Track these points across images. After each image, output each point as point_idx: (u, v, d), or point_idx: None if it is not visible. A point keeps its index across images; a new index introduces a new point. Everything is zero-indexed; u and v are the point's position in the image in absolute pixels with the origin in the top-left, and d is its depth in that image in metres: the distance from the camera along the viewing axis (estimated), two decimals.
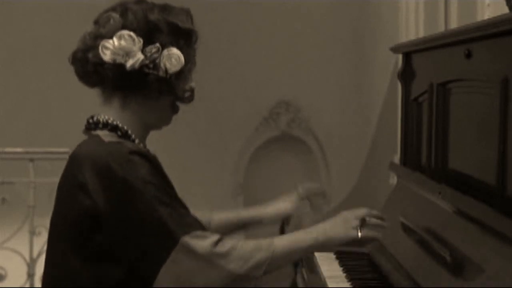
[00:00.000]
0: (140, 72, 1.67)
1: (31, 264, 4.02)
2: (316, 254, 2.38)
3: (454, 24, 2.89)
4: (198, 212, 1.95)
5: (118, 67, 1.66)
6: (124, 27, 1.67)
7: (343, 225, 1.77)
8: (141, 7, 1.71)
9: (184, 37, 1.74)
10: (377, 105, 4.33)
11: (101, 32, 1.67)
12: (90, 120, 1.74)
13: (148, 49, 1.67)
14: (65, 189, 1.66)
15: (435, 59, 2.23)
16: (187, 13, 1.79)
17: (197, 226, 1.61)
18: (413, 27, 3.43)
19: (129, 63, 1.66)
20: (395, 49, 2.70)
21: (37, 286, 4.04)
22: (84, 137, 1.74)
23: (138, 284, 1.59)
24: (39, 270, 4.01)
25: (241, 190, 5.41)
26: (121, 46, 1.65)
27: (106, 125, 1.70)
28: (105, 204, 1.57)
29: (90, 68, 1.69)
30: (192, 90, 1.77)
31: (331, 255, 2.39)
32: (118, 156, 1.59)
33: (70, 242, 1.63)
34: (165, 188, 1.61)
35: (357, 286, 2.08)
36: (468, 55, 1.91)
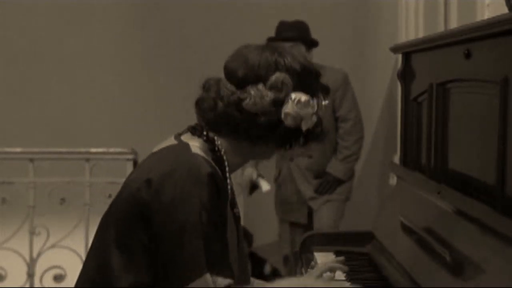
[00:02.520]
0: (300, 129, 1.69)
1: (31, 264, 4.02)
2: (316, 254, 2.38)
3: (453, 24, 2.89)
4: None
5: (291, 129, 1.68)
6: (293, 88, 1.67)
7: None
8: (291, 61, 1.69)
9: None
10: (377, 105, 4.34)
11: (280, 98, 1.66)
12: (196, 126, 1.75)
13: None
14: (132, 183, 1.65)
15: (435, 59, 2.23)
16: None
17: (227, 271, 1.60)
18: (412, 27, 3.44)
19: (305, 126, 1.68)
20: (395, 49, 2.70)
21: (37, 286, 4.03)
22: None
23: None
24: (38, 270, 4.01)
25: (241, 190, 5.41)
26: (302, 112, 1.66)
27: (209, 141, 1.70)
28: (158, 206, 1.57)
29: (257, 132, 1.67)
30: (320, 124, 1.76)
31: (331, 255, 2.39)
32: (195, 171, 1.58)
33: (116, 233, 1.62)
34: (217, 222, 1.60)
35: (357, 286, 2.07)
36: (468, 55, 1.91)
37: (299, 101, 1.66)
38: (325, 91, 1.75)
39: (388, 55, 3.18)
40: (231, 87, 1.69)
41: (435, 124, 2.20)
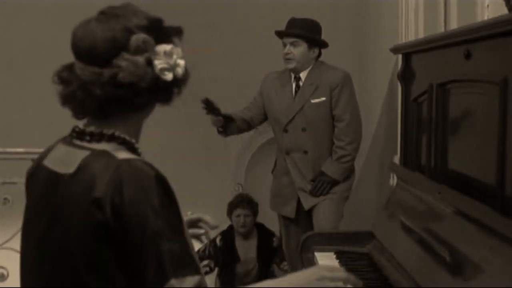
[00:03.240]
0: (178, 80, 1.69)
1: None
2: (316, 254, 2.39)
3: (453, 25, 2.90)
4: None
5: (169, 81, 1.65)
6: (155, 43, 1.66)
7: (316, 282, 1.68)
8: (137, 20, 1.66)
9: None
10: (377, 106, 4.34)
11: (149, 57, 1.62)
12: (88, 131, 1.67)
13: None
14: (75, 209, 1.58)
15: (435, 59, 2.24)
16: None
17: (193, 269, 1.56)
18: (413, 28, 3.44)
19: (180, 72, 1.67)
20: (395, 50, 2.71)
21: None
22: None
23: None
24: None
25: (241, 190, 5.42)
26: (172, 61, 1.65)
27: (113, 138, 1.65)
28: (114, 220, 1.53)
29: (143, 98, 1.64)
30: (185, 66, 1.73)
31: (331, 255, 2.40)
32: (141, 178, 1.55)
33: (85, 262, 1.57)
34: (174, 221, 1.57)
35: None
36: (468, 56, 1.91)
37: (165, 52, 1.64)
38: (176, 32, 1.73)
39: (388, 56, 3.19)
40: (94, 69, 1.60)
41: (435, 125, 2.20)
